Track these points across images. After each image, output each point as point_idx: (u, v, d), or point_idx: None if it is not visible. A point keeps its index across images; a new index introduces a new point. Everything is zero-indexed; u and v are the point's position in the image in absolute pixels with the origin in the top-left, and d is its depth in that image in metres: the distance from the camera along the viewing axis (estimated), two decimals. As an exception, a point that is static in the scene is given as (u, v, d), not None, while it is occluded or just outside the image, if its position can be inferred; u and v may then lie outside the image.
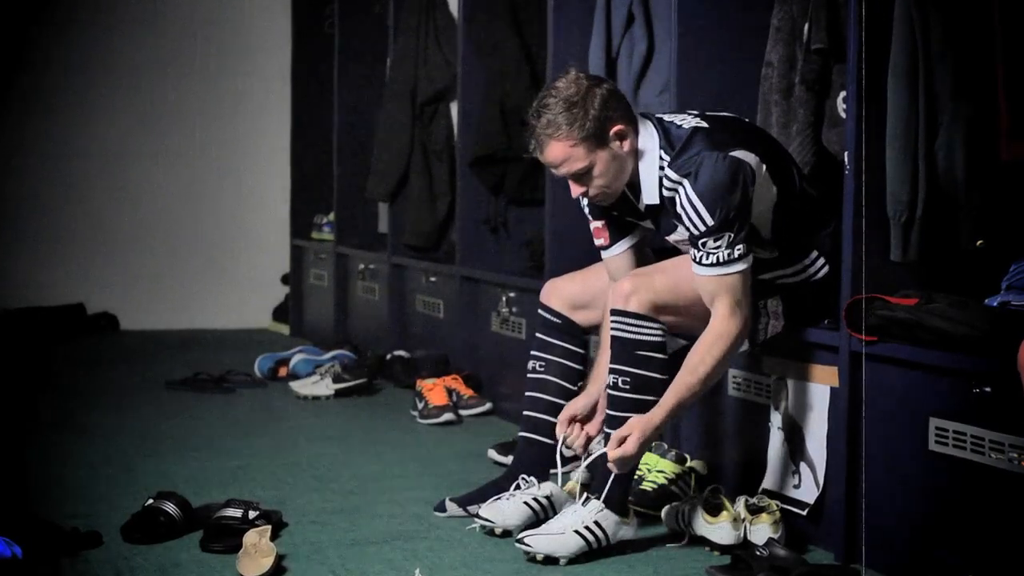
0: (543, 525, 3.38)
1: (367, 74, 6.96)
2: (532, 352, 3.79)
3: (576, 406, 3.58)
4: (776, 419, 3.57)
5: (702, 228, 3.25)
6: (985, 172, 3.26)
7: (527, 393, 3.77)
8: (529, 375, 3.78)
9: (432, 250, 6.15)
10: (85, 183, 7.60)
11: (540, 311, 3.80)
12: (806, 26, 3.69)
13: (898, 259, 3.31)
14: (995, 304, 3.17)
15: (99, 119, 7.61)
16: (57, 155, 7.56)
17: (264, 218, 7.94)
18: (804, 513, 3.46)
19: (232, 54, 7.85)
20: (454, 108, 5.96)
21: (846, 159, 3.33)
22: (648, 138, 3.38)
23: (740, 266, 3.28)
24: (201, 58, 7.78)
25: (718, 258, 3.26)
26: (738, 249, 3.27)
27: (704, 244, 3.25)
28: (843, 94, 3.61)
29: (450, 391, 5.15)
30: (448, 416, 5.03)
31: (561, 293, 3.77)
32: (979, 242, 3.31)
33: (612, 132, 3.33)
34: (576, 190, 3.42)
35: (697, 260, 3.29)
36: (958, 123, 3.23)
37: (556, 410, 3.69)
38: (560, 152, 3.33)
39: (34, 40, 7.48)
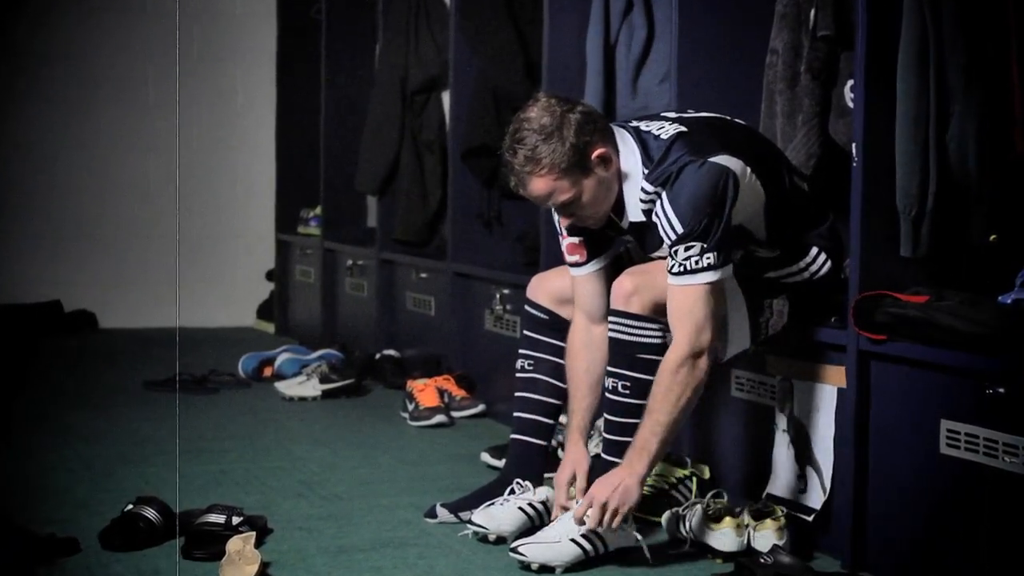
0: (538, 532, 3.37)
1: (355, 62, 6.95)
2: (520, 351, 3.79)
3: (563, 476, 3.55)
4: (781, 421, 3.56)
5: (673, 236, 3.24)
6: (998, 164, 3.26)
7: (517, 394, 3.77)
8: (518, 375, 3.78)
9: (423, 245, 6.14)
10: (61, 176, 7.59)
11: (526, 307, 3.79)
12: (812, 12, 3.68)
13: (908, 254, 3.31)
14: (1008, 301, 3.16)
15: (77, 110, 7.59)
16: (32, 147, 7.55)
17: (248, 212, 7.93)
18: (810, 519, 3.46)
19: (214, 42, 7.83)
20: (446, 97, 5.96)
21: (854, 151, 3.32)
22: (629, 154, 3.37)
23: (708, 277, 3.23)
24: (183, 47, 7.77)
25: (686, 267, 3.23)
26: (707, 259, 3.23)
27: (676, 252, 3.24)
28: (851, 83, 3.61)
29: (442, 392, 5.15)
30: (440, 418, 5.02)
31: (548, 287, 3.76)
32: (992, 237, 3.31)
33: (594, 157, 3.32)
34: (565, 221, 3.42)
35: (668, 269, 3.28)
36: (970, 113, 3.22)
37: (548, 410, 3.70)
38: (544, 186, 3.32)
39: (10, 29, 7.46)
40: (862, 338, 3.28)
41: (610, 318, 3.40)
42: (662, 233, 3.28)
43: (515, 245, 5.49)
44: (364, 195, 6.88)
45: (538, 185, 3.32)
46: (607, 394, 3.40)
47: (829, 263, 3.50)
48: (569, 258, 3.58)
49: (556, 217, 3.54)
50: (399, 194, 6.22)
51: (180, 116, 7.77)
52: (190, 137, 7.80)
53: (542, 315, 3.74)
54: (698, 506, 3.43)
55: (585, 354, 3.59)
